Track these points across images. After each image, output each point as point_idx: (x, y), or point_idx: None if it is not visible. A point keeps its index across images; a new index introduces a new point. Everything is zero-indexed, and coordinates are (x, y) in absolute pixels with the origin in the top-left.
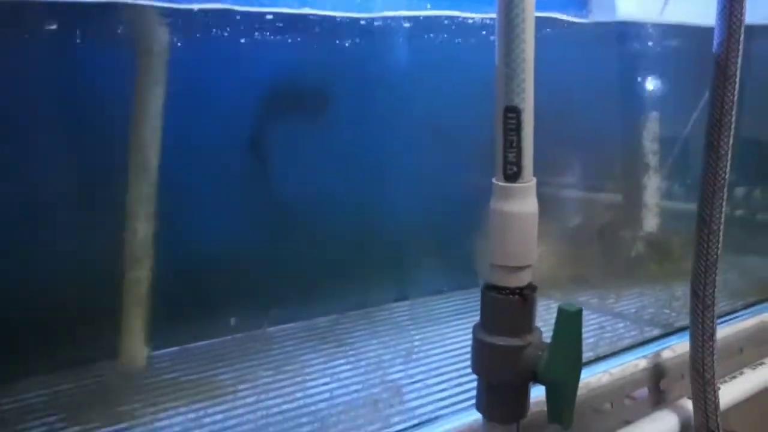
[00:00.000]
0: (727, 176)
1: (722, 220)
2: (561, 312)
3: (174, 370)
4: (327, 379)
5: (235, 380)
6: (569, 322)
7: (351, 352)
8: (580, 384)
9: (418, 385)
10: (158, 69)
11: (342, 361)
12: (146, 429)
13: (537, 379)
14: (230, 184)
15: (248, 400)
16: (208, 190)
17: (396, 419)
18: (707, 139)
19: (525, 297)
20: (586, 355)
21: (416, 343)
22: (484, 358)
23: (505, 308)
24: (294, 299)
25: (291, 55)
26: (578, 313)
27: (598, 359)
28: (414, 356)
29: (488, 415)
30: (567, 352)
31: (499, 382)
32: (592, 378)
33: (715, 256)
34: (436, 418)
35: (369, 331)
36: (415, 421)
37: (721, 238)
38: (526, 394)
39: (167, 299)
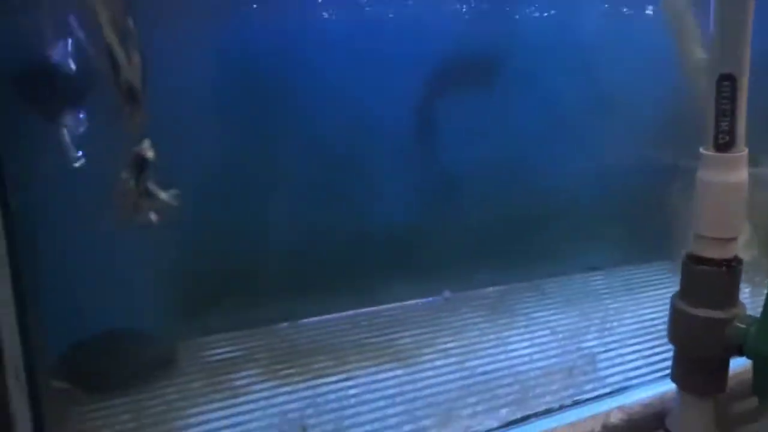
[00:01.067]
0: None
1: None
2: None
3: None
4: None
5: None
6: None
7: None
8: None
9: (612, 354)
10: None
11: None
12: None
13: (743, 353)
14: None
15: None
16: None
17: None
18: None
19: (732, 269)
20: None
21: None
22: (684, 330)
23: (711, 280)
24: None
25: None
26: None
27: None
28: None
29: (685, 387)
30: None
31: (699, 354)
32: None
33: None
34: (627, 388)
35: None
36: (608, 390)
37: None
38: (726, 368)
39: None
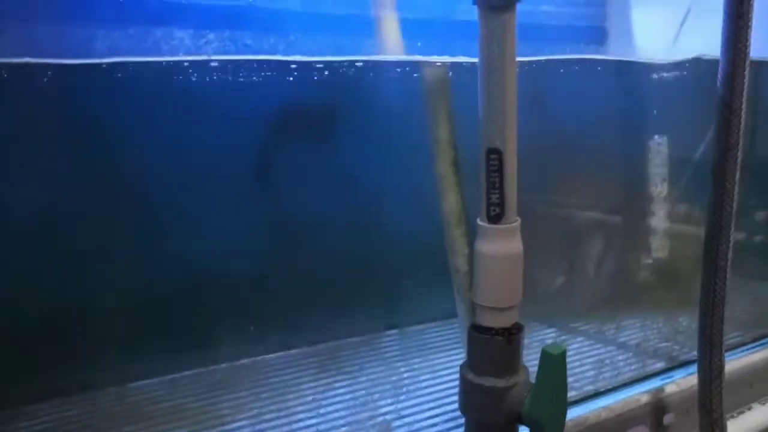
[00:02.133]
0: (733, 211)
1: (729, 255)
2: (544, 354)
3: None
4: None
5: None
6: (553, 364)
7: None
8: (578, 420)
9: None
10: None
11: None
12: None
13: (521, 421)
14: None
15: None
16: None
17: None
18: (713, 174)
19: (510, 338)
20: (585, 389)
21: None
22: (470, 399)
23: (491, 349)
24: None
25: None
26: (562, 355)
27: (598, 394)
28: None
29: None
30: (551, 394)
31: (485, 422)
32: (590, 414)
33: (722, 293)
34: None
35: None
36: None
37: (728, 275)
38: None
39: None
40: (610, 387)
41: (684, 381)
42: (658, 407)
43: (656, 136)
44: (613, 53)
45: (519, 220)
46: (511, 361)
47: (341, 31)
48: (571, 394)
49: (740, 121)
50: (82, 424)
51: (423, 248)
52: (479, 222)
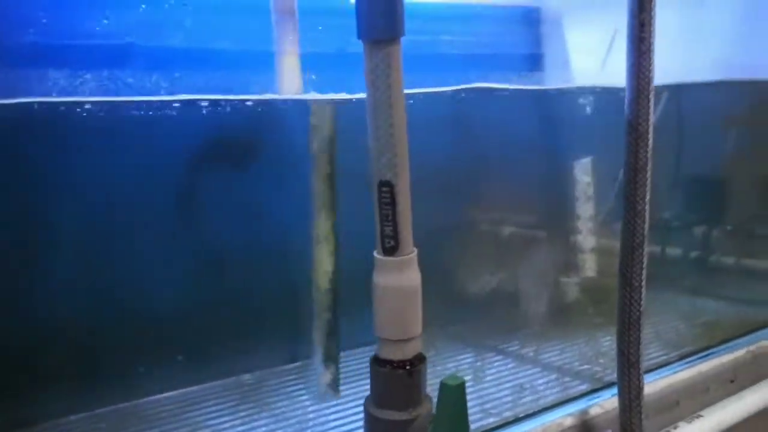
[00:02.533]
0: (645, 233)
1: (643, 276)
2: (443, 386)
3: None
4: None
5: None
6: (452, 396)
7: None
8: None
9: None
10: None
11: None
12: None
13: None
14: None
15: None
16: None
17: None
18: (624, 198)
19: (411, 370)
20: (504, 415)
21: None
22: None
23: (392, 382)
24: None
25: None
26: (461, 386)
27: (517, 420)
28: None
29: None
30: (451, 426)
31: None
32: None
33: (637, 314)
34: None
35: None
36: None
37: (643, 295)
38: None
39: None
40: (530, 411)
41: (608, 402)
42: (581, 430)
43: (581, 159)
44: (549, 79)
45: (415, 251)
46: (412, 394)
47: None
48: (489, 421)
49: (647, 143)
50: None
51: None
52: (375, 255)
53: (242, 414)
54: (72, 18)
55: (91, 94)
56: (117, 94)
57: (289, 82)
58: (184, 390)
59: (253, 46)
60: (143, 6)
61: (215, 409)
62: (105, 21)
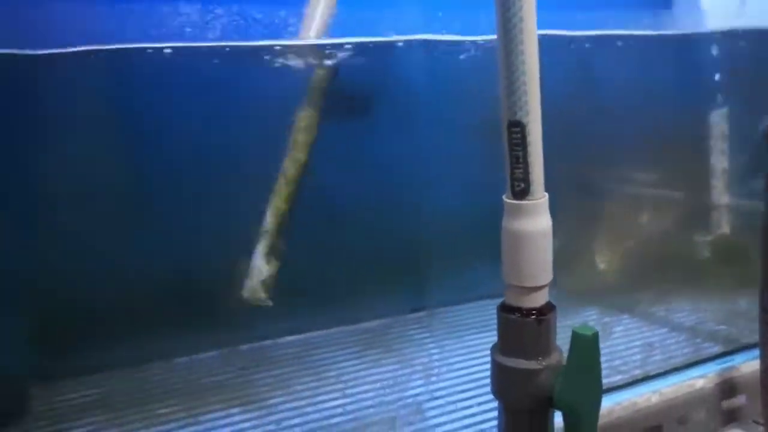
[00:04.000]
0: None
1: None
2: (575, 335)
3: None
4: None
5: None
6: (584, 347)
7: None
8: (626, 404)
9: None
10: None
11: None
12: None
13: (553, 405)
14: None
15: None
16: None
17: None
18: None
19: (541, 318)
20: (633, 373)
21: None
22: (501, 381)
23: (520, 330)
24: None
25: None
26: (594, 337)
27: (647, 378)
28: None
29: None
30: (583, 377)
31: (516, 406)
32: (639, 398)
33: None
34: None
35: None
36: None
37: None
38: (546, 420)
39: None
40: (660, 371)
41: (745, 366)
42: (714, 392)
43: (716, 109)
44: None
45: (546, 195)
46: (541, 343)
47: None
48: (617, 378)
49: None
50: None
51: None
52: (504, 198)
53: (368, 358)
54: None
55: (222, 30)
56: (246, 30)
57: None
58: (308, 334)
59: None
60: None
61: (341, 353)
62: None
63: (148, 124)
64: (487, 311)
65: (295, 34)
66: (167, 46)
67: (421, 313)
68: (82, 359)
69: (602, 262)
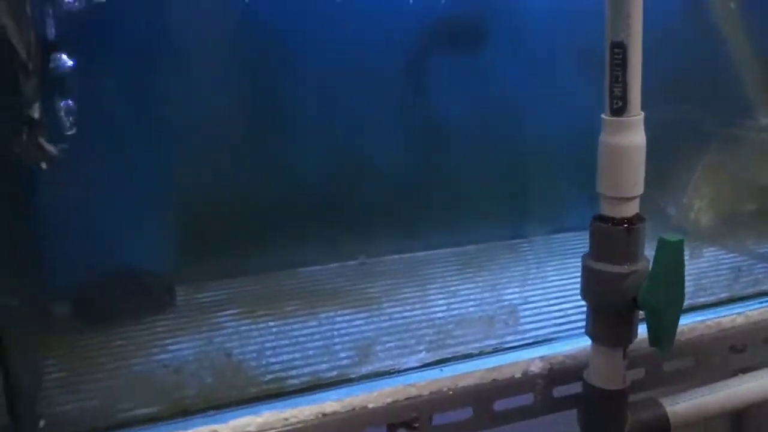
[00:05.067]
0: None
1: None
2: (661, 241)
3: None
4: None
5: None
6: (670, 252)
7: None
8: (710, 323)
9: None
10: None
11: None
12: None
13: (637, 306)
14: None
15: None
16: None
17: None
18: None
19: (631, 227)
20: (719, 295)
21: None
22: (590, 284)
23: (611, 237)
24: None
25: None
26: (679, 243)
27: (732, 300)
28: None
29: (597, 339)
30: (667, 281)
31: (603, 307)
32: (725, 319)
33: None
34: (549, 340)
35: None
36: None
37: None
38: (631, 320)
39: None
40: (746, 294)
41: None
42: None
43: None
44: None
45: (642, 114)
46: (630, 250)
47: None
48: (701, 300)
49: None
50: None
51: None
52: (603, 116)
53: (469, 272)
54: None
55: None
56: None
57: None
58: (413, 254)
59: None
60: None
61: (444, 269)
62: None
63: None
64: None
65: None
66: None
67: (521, 240)
68: (219, 265)
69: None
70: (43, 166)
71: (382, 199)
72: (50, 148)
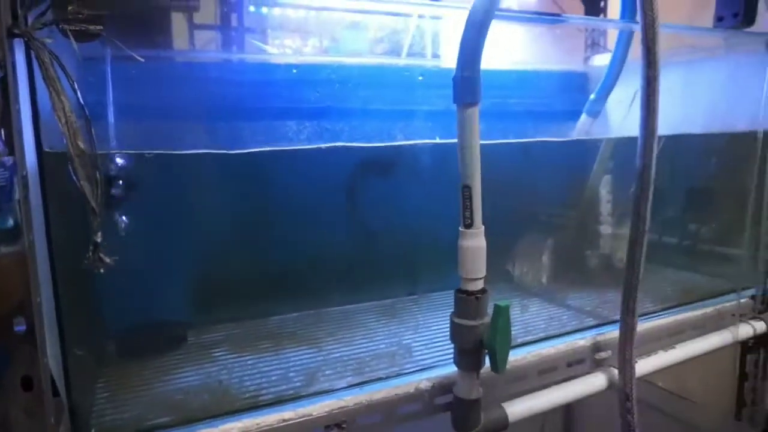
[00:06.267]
0: (645, 231)
1: (642, 255)
2: (496, 306)
3: None
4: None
5: None
6: (502, 313)
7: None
8: (533, 353)
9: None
10: None
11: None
12: None
13: (483, 347)
14: None
15: None
16: None
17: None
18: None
19: (478, 297)
20: (538, 335)
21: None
22: (455, 332)
23: (468, 303)
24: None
25: None
26: (507, 308)
27: (548, 338)
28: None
29: (460, 367)
30: (500, 332)
31: (464, 346)
32: (543, 350)
33: (636, 282)
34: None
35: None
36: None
37: (641, 271)
38: (480, 354)
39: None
40: (555, 334)
41: (610, 333)
42: (592, 349)
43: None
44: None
45: (482, 227)
46: (480, 311)
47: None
48: (528, 338)
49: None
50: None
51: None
52: (461, 228)
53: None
54: (299, 92)
55: (307, 136)
56: (321, 136)
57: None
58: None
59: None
60: (336, 85)
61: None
62: (317, 93)
63: None
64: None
65: None
66: None
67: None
68: (219, 313)
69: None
70: (102, 271)
71: (330, 270)
72: (107, 260)
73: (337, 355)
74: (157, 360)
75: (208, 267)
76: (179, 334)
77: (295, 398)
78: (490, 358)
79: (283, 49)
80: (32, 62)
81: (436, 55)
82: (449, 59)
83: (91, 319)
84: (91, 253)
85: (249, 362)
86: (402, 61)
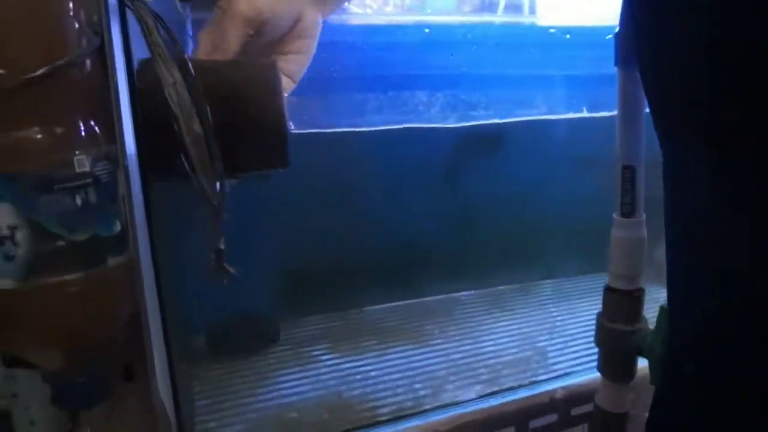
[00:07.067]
0: None
1: None
2: (661, 310)
3: None
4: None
5: None
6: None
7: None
8: None
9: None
10: None
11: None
12: None
13: (642, 354)
14: None
15: None
16: None
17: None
18: None
19: (634, 297)
20: None
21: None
22: (605, 338)
23: (620, 304)
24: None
25: None
26: None
27: None
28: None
29: (606, 376)
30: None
31: (614, 355)
32: None
33: None
34: (569, 374)
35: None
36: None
37: None
38: (634, 363)
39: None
40: None
41: None
42: None
43: None
44: None
45: (644, 216)
46: (635, 313)
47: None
48: None
49: None
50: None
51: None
52: (616, 216)
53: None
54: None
55: (440, 108)
56: (455, 107)
57: None
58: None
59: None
60: (473, 47)
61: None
62: (450, 56)
63: None
64: None
65: None
66: None
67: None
68: (314, 305)
69: None
70: (225, 282)
71: (428, 259)
72: (231, 270)
73: (448, 353)
74: (252, 359)
75: (296, 256)
76: (272, 330)
77: (417, 413)
78: (652, 371)
79: (364, 9)
80: (127, 28)
81: (533, 12)
82: (547, 17)
83: (182, 318)
84: (214, 263)
85: (356, 365)
86: (497, 19)
